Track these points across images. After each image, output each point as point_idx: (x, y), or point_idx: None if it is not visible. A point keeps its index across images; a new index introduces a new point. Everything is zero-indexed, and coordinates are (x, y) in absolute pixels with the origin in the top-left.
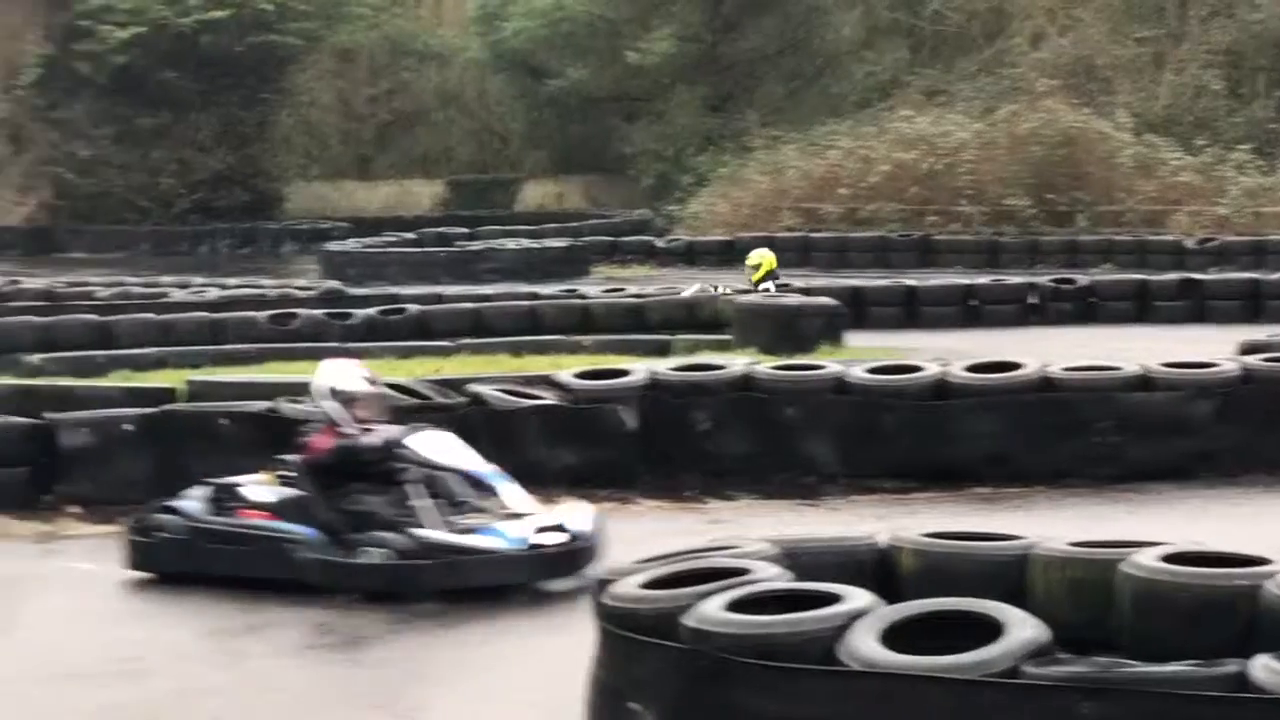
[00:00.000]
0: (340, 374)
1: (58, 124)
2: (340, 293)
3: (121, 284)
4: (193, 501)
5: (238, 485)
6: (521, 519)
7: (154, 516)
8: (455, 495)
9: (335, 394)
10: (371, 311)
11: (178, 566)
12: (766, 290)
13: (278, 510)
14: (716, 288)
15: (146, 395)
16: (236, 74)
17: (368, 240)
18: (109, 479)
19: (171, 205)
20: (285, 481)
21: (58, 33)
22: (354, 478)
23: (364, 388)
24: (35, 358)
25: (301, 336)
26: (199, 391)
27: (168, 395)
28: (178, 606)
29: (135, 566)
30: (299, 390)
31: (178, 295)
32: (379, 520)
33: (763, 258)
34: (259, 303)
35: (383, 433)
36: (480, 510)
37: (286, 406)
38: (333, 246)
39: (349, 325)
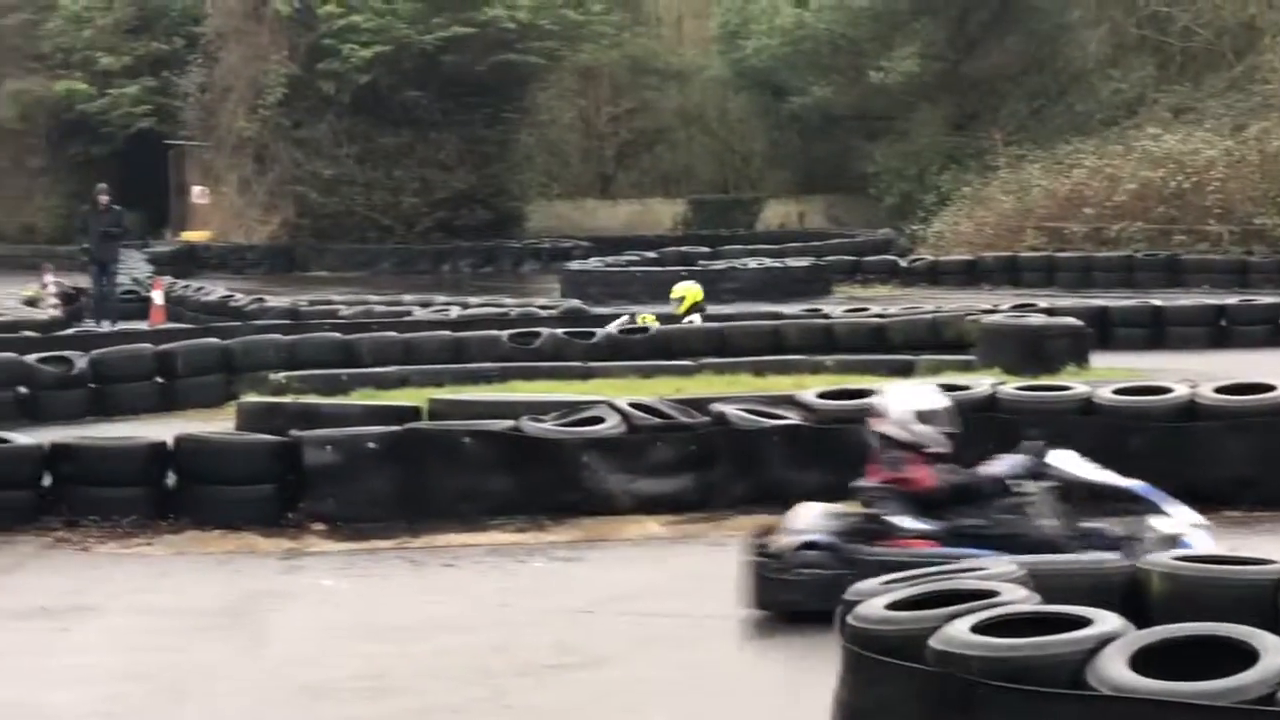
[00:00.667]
0: (918, 396)
1: (301, 143)
2: (582, 311)
3: (364, 302)
4: (820, 534)
5: (881, 514)
6: (1184, 535)
7: (798, 553)
8: (1078, 512)
9: (922, 416)
10: (613, 330)
11: (820, 604)
12: (691, 323)
13: (941, 538)
14: (634, 318)
15: (390, 413)
16: (479, 92)
17: (609, 259)
18: (352, 497)
19: (413, 224)
20: (869, 507)
21: (302, 52)
22: (961, 503)
23: (943, 403)
24: (280, 376)
25: (543, 355)
26: (441, 410)
27: (411, 413)
28: (420, 623)
29: (762, 605)
30: (541, 409)
31: (420, 314)
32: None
33: (686, 290)
34: (501, 321)
35: (1004, 464)
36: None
37: (530, 425)
38: (574, 265)
39: (590, 344)
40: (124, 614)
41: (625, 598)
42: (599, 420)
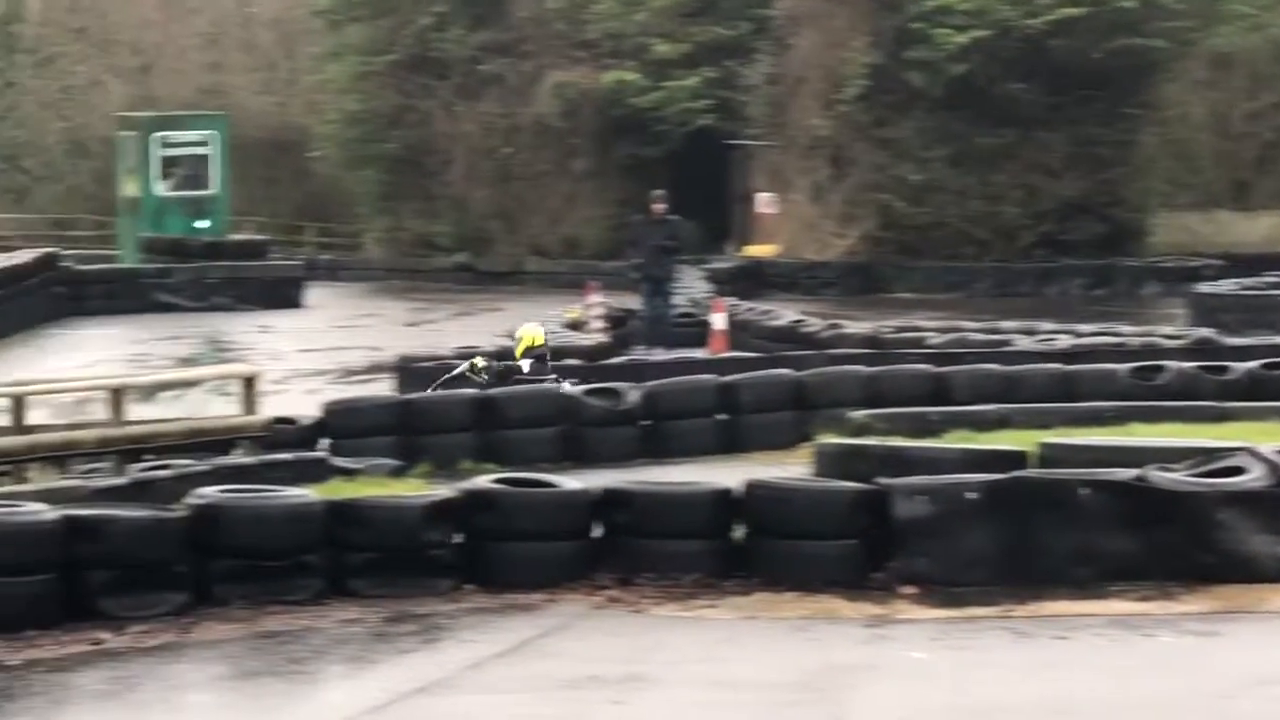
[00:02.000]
0: None
1: (885, 144)
2: (1214, 342)
3: (957, 329)
4: None
5: None
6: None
7: None
8: None
9: None
10: (1253, 365)
11: None
12: (518, 367)
13: None
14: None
15: (991, 459)
16: (1093, 85)
17: (1246, 281)
18: (949, 555)
19: (1014, 238)
20: None
21: (887, 39)
22: None
23: None
24: (862, 414)
25: (1168, 393)
26: (1053, 456)
27: (1016, 459)
28: (1026, 705)
29: None
30: (1170, 456)
31: (1022, 343)
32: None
33: (525, 333)
34: (1118, 353)
35: None
36: None
37: (1157, 475)
38: (1204, 288)
39: (1226, 381)
40: (685, 686)
41: (1275, 682)
42: (1240, 471)
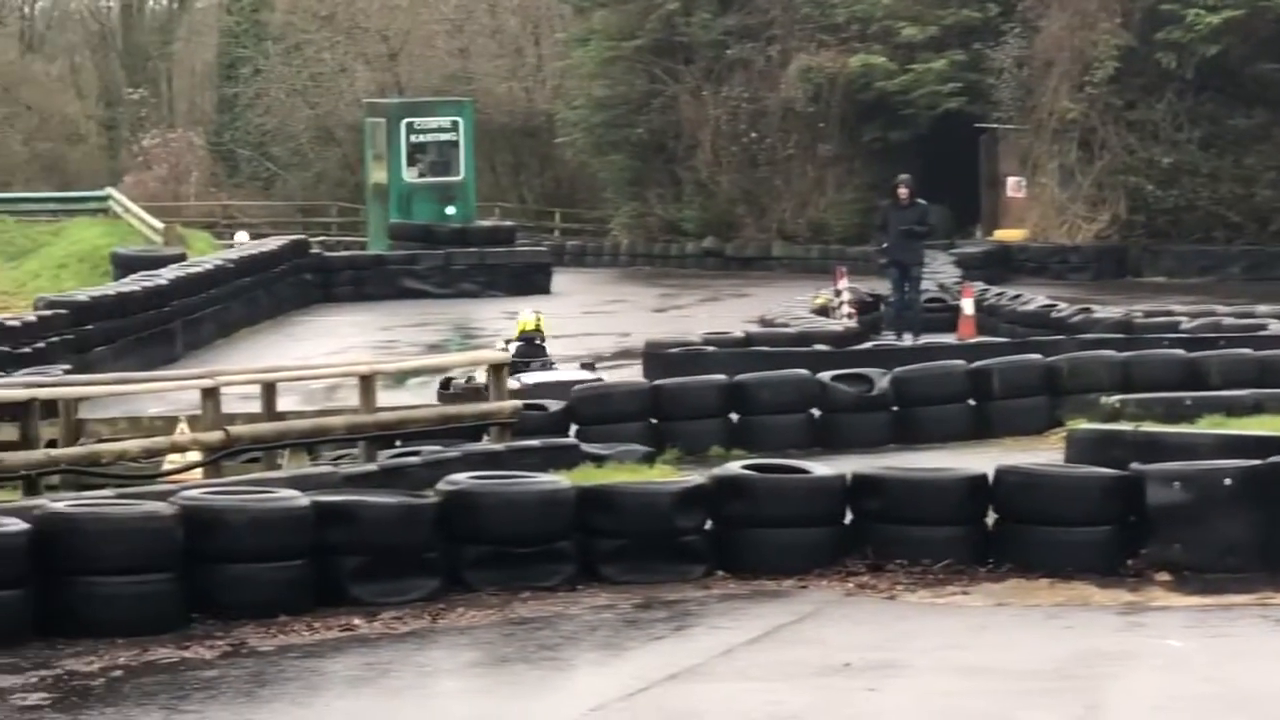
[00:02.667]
0: None
1: (1135, 126)
2: None
3: (1210, 313)
4: None
5: None
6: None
7: None
8: None
9: None
10: None
11: None
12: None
13: None
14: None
15: (1247, 444)
16: None
17: None
18: (1203, 543)
19: (1268, 221)
20: None
21: (1137, 19)
22: None
23: None
24: (1113, 399)
25: None
26: None
27: (1273, 445)
28: None
29: None
30: None
31: (1276, 328)
32: None
33: (519, 320)
34: None
35: None
36: None
37: None
38: None
39: None
40: (937, 673)
41: None
42: None
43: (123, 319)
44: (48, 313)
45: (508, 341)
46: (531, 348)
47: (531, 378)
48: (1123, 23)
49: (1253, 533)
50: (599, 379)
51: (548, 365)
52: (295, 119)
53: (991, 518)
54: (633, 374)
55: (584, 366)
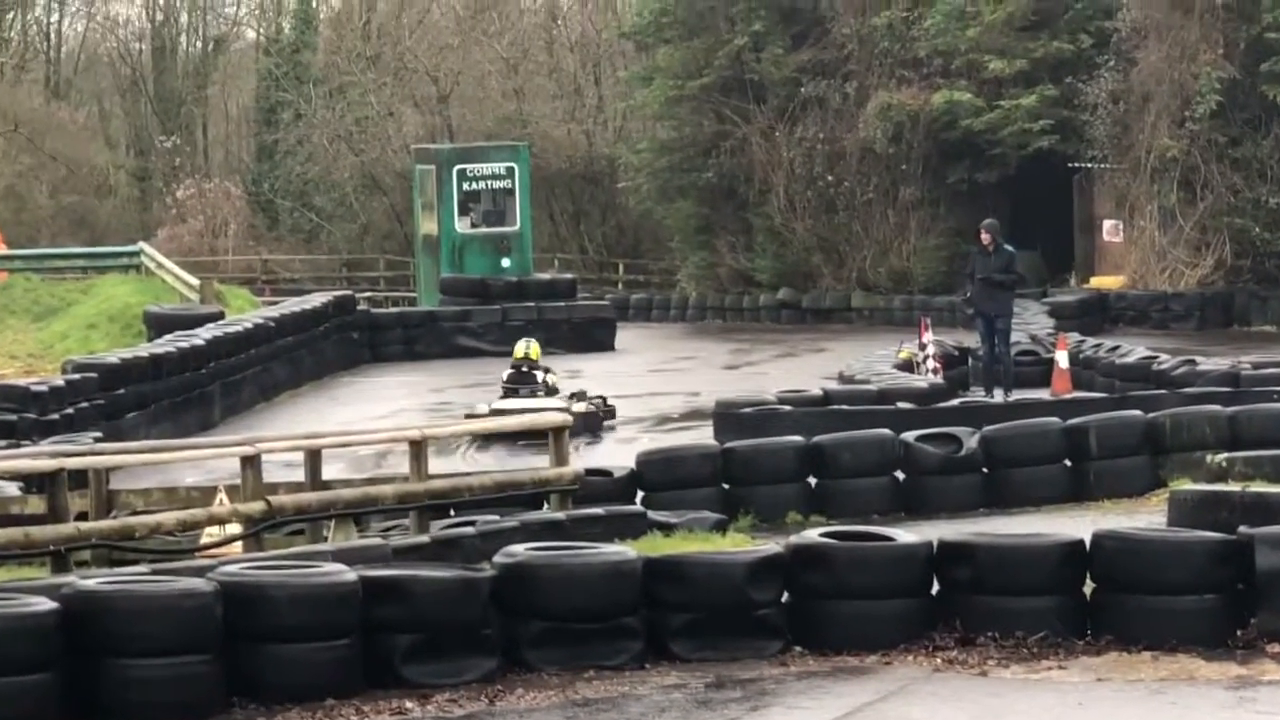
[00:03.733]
0: None
1: (1240, 164)
2: None
3: None
4: None
5: None
6: None
7: None
8: None
9: None
10: None
11: None
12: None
13: None
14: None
15: None
16: None
17: None
18: None
19: None
20: None
21: (1241, 50)
22: None
23: None
24: (1221, 457)
25: None
26: None
27: None
28: None
29: None
30: None
31: None
32: None
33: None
34: None
35: None
36: None
37: None
38: None
39: None
40: None
41: None
42: None
43: (156, 382)
44: (76, 376)
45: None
46: (520, 375)
47: (505, 404)
48: (1225, 54)
49: None
50: (591, 412)
51: (536, 394)
52: (339, 167)
53: (1089, 586)
54: (703, 435)
55: (573, 396)
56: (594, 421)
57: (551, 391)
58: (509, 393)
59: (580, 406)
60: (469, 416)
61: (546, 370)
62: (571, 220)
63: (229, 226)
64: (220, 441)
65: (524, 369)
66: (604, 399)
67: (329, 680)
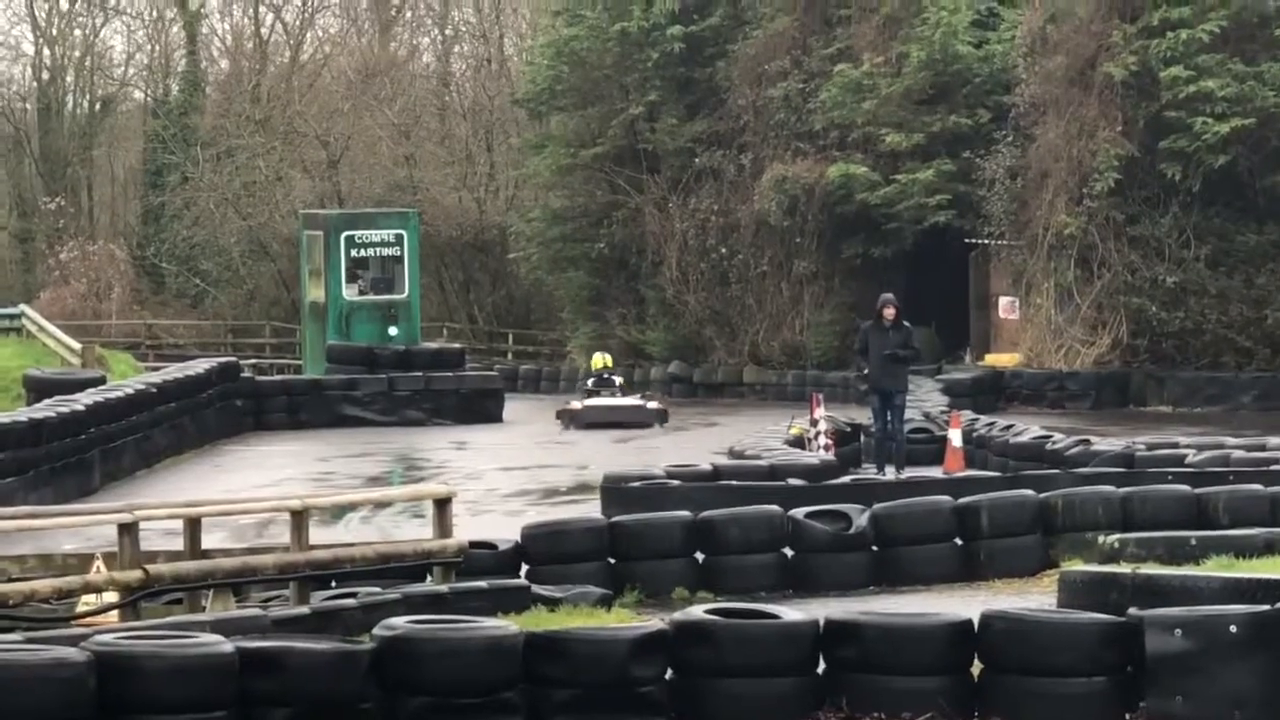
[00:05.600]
0: None
1: (1137, 243)
2: None
3: (1218, 445)
4: None
5: None
6: None
7: None
8: None
9: None
10: None
11: None
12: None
13: None
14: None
15: (1255, 588)
16: None
17: None
18: (1207, 695)
19: None
20: None
21: (1139, 128)
22: None
23: None
24: (1113, 538)
25: None
26: None
27: None
28: None
29: None
30: None
31: None
32: None
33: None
34: None
35: None
36: None
37: None
38: None
39: None
40: None
41: None
42: None
43: (35, 448)
44: None
45: (586, 377)
46: (602, 381)
47: (594, 401)
48: (1124, 131)
49: (1261, 685)
50: (660, 409)
51: (615, 394)
52: (226, 231)
53: (977, 667)
54: (591, 509)
55: (643, 397)
56: (664, 416)
57: (626, 392)
58: (592, 394)
59: (653, 404)
60: (560, 413)
61: (618, 377)
62: (461, 289)
63: (113, 290)
64: (98, 508)
65: (604, 375)
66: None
67: None
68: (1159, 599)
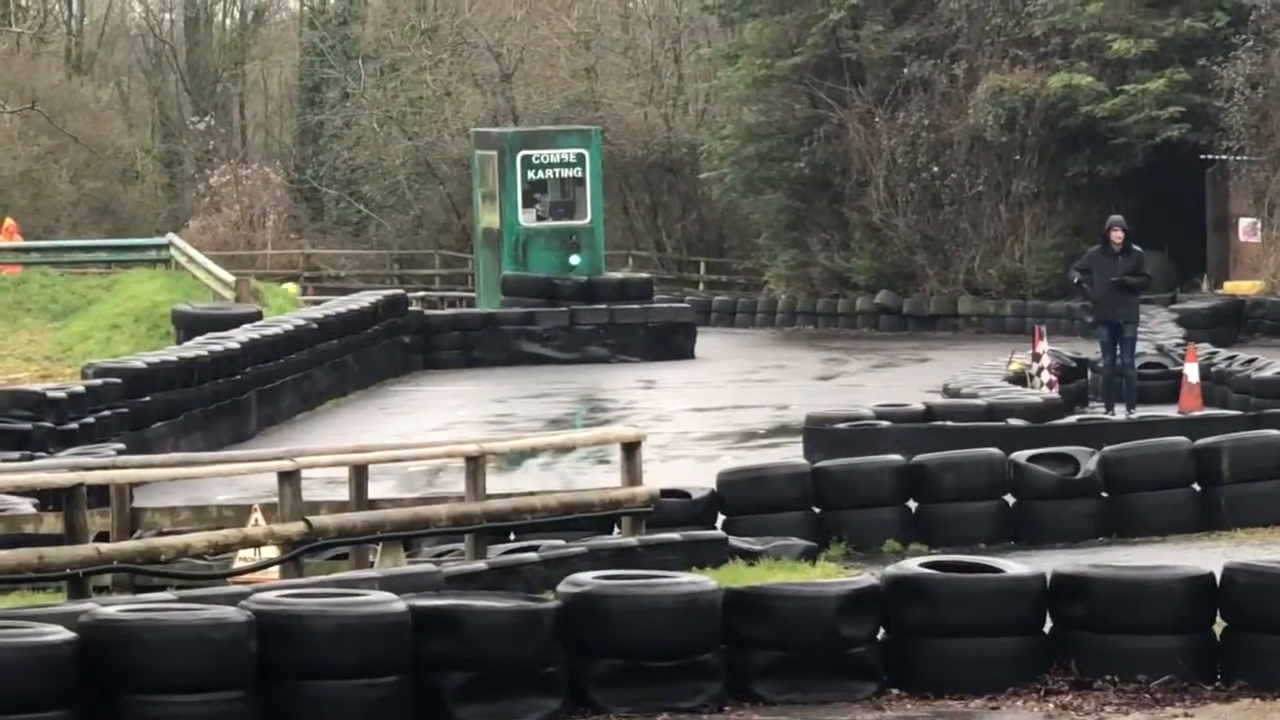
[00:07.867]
0: None
1: None
2: None
3: None
4: None
5: None
6: None
7: None
8: None
9: None
10: None
11: None
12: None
13: None
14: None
15: None
16: None
17: None
18: None
19: None
20: None
21: None
22: None
23: None
24: None
25: None
26: None
27: None
28: None
29: None
30: None
31: None
32: None
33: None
34: None
35: None
36: None
37: None
38: None
39: None
40: None
41: None
42: None
43: (186, 389)
44: (98, 382)
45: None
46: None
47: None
48: None
49: None
50: None
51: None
52: (391, 152)
53: (1220, 625)
54: (792, 454)
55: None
56: None
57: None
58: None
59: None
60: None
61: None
62: (648, 214)
63: (268, 217)
64: (256, 455)
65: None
66: None
67: None
68: None
